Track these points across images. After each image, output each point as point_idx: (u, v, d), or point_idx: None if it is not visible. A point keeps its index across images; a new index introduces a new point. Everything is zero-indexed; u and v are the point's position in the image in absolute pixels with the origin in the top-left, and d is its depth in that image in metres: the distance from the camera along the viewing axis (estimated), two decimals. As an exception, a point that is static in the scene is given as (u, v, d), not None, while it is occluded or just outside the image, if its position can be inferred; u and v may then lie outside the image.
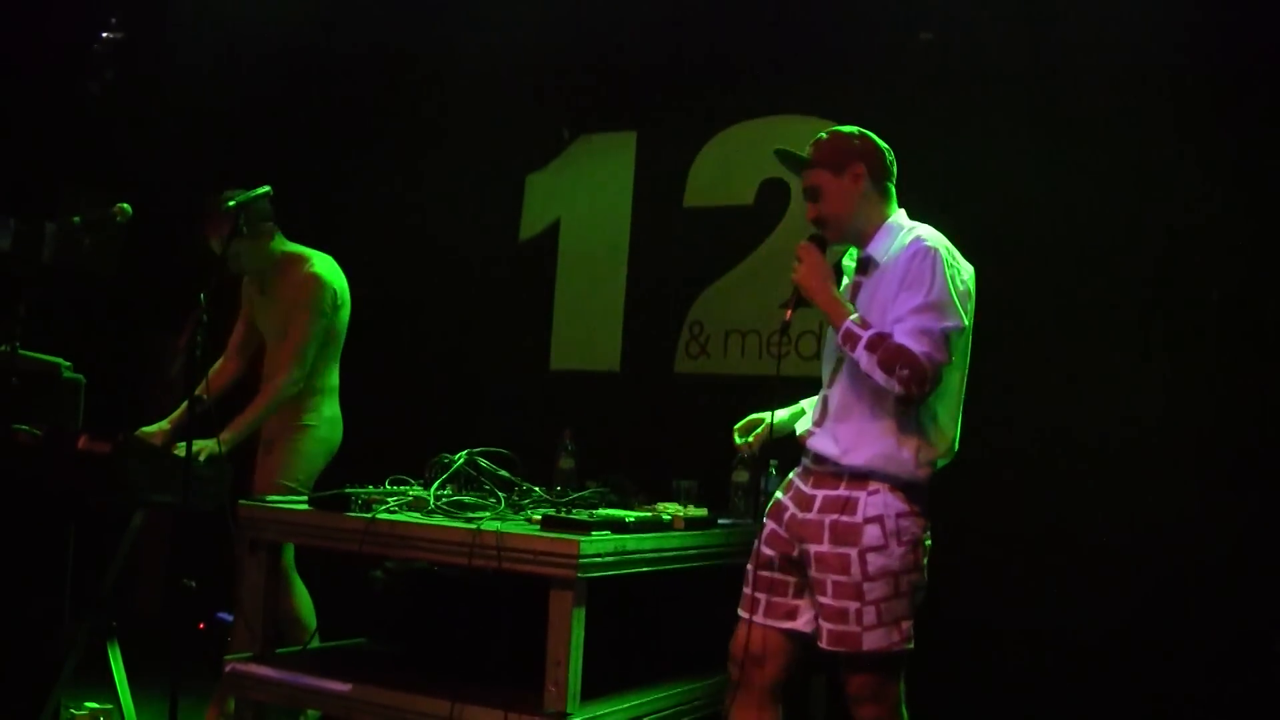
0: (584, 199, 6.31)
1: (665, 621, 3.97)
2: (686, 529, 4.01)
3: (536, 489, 4.24)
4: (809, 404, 3.79)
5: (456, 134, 6.62)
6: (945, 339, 3.34)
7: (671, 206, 6.03)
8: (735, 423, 3.85)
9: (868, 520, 3.38)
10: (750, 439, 3.80)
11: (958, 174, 5.28)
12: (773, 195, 5.67)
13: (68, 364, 4.84)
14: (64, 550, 4.59)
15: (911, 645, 3.44)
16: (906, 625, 3.42)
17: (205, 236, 4.84)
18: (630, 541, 3.75)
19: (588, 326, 6.21)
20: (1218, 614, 4.63)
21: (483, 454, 4.17)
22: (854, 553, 3.37)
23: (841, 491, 3.44)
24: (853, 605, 3.36)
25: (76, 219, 4.79)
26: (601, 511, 3.93)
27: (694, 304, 5.86)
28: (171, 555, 7.05)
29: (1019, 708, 4.88)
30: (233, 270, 4.91)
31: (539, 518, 3.76)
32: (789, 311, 3.54)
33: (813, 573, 3.45)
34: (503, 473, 4.17)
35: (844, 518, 3.41)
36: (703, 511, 4.21)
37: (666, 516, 4.03)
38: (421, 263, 6.66)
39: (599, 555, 3.58)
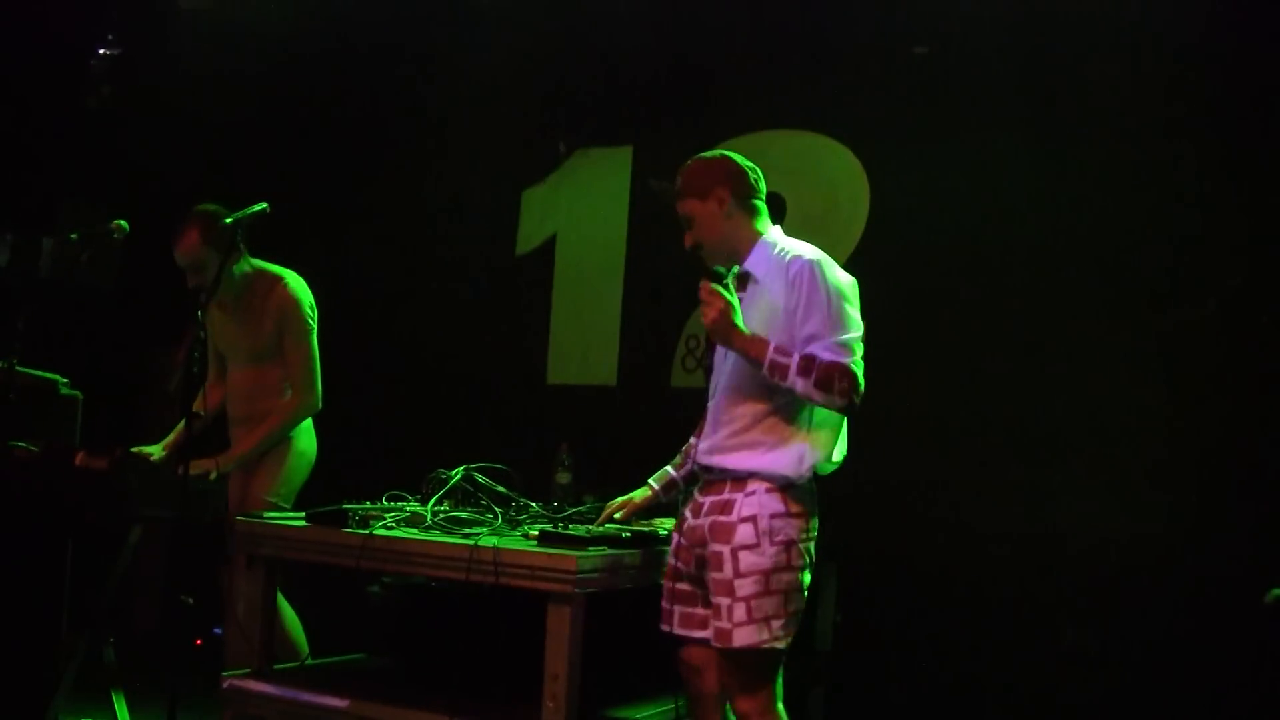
0: (581, 213, 6.32)
1: (662, 635, 3.97)
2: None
3: (533, 504, 4.24)
4: (670, 466, 4.00)
5: (454, 149, 6.63)
6: (859, 346, 3.47)
7: (668, 221, 6.00)
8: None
9: (742, 519, 3.50)
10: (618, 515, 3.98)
11: (954, 185, 5.30)
12: (769, 209, 5.68)
13: (65, 380, 4.85)
14: (61, 565, 4.59)
15: (783, 645, 3.49)
16: (778, 624, 3.47)
17: (176, 249, 4.75)
18: (627, 556, 3.76)
19: (584, 341, 6.22)
20: (1219, 614, 4.63)
21: (479, 469, 4.17)
22: (727, 550, 3.49)
23: (725, 495, 3.56)
24: (725, 601, 3.47)
25: (74, 235, 4.79)
26: (598, 526, 3.94)
27: (690, 318, 5.87)
28: (168, 570, 7.04)
29: (1017, 707, 4.90)
30: (194, 287, 4.74)
31: (536, 533, 3.77)
32: (706, 355, 3.67)
33: (704, 574, 3.58)
34: (500, 488, 4.17)
35: (722, 518, 3.54)
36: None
37: (663, 531, 4.03)
38: (418, 277, 6.67)
39: (596, 570, 3.59)
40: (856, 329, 3.49)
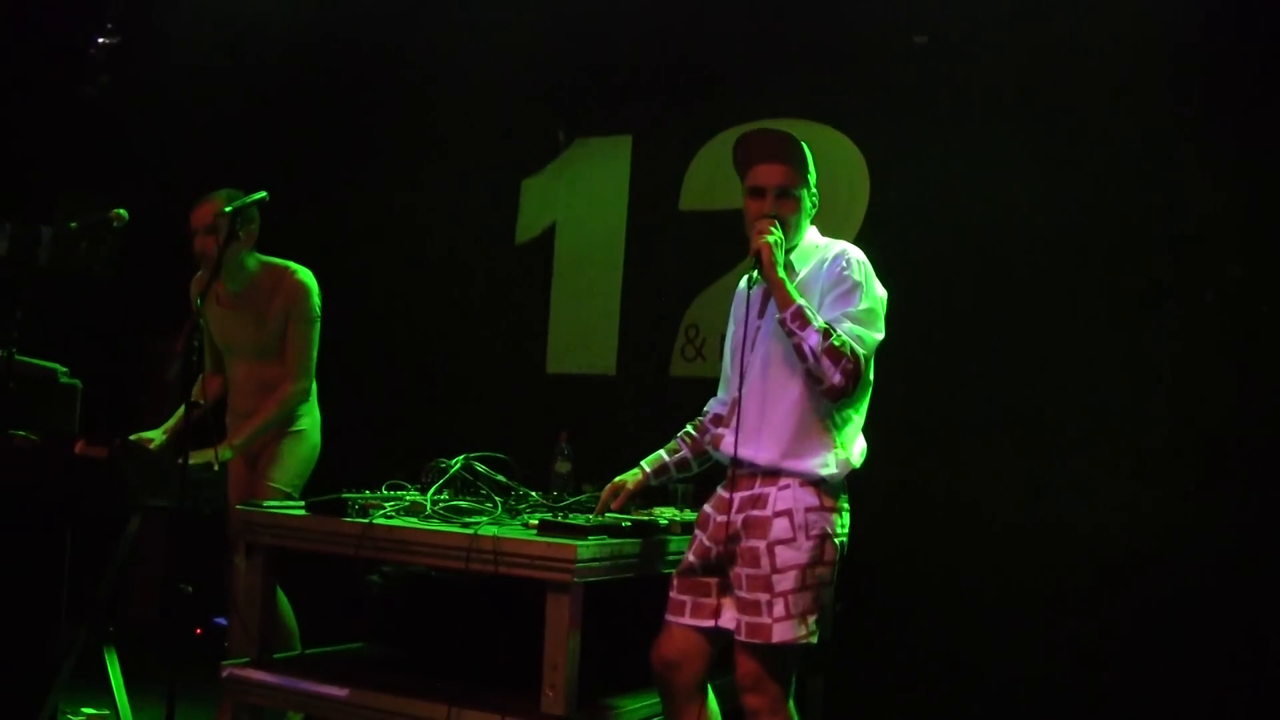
0: (580, 203, 6.32)
1: (662, 625, 3.97)
2: (682, 533, 4.02)
3: (533, 493, 4.24)
4: (665, 450, 3.96)
5: (453, 138, 6.63)
6: (874, 348, 3.53)
7: (667, 210, 6.03)
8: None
9: (776, 514, 3.49)
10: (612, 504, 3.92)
11: (953, 176, 5.30)
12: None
13: (64, 369, 4.85)
14: (61, 555, 4.59)
15: (814, 639, 3.50)
16: (812, 619, 3.49)
17: (191, 228, 4.76)
18: (627, 546, 3.76)
19: (584, 330, 6.21)
20: (1218, 612, 4.64)
21: (479, 458, 4.17)
22: (763, 545, 3.48)
23: (756, 490, 3.56)
24: (763, 597, 3.46)
25: (73, 224, 4.78)
26: (597, 516, 3.94)
27: (689, 307, 5.87)
28: (167, 560, 7.05)
29: (1016, 707, 4.90)
30: (199, 253, 4.75)
31: (536, 522, 3.77)
32: (755, 274, 3.56)
33: (731, 569, 3.56)
34: (499, 477, 4.17)
35: (755, 512, 3.53)
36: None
37: (663, 520, 4.04)
38: (418, 266, 6.67)
39: (595, 560, 3.58)
40: (878, 333, 3.53)
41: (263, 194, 4.57)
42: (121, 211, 4.63)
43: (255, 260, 4.89)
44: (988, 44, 5.28)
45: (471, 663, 3.98)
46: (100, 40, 7.08)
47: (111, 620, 4.49)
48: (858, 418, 3.64)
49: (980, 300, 5.23)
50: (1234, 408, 4.75)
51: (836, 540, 3.54)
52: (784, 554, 3.46)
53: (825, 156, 5.57)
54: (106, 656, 4.44)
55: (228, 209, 4.43)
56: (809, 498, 3.50)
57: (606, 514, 3.91)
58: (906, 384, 5.17)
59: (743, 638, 3.50)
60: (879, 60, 5.54)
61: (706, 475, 4.04)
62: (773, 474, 3.54)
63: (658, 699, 3.85)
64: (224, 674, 4.11)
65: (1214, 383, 4.79)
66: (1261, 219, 4.78)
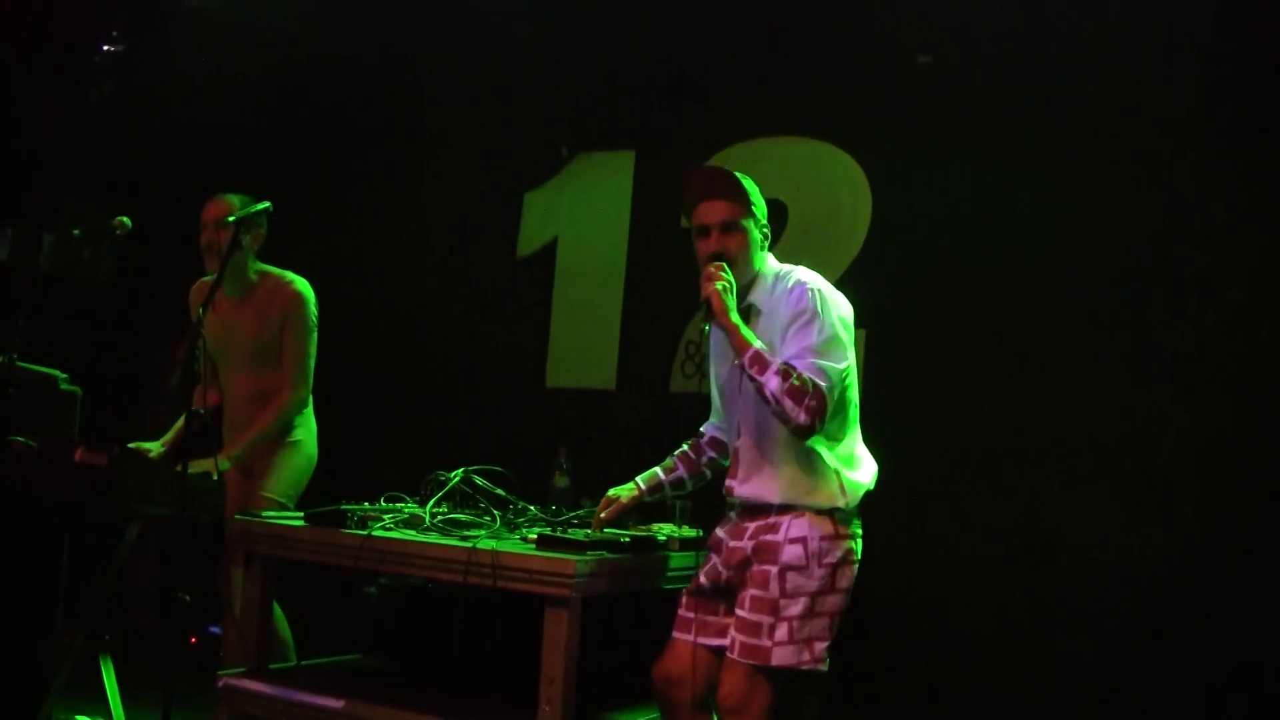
0: (582, 217, 6.32)
1: (660, 641, 3.97)
2: (681, 549, 4.02)
3: (532, 507, 4.24)
4: (660, 468, 3.99)
5: (456, 150, 6.63)
6: (841, 377, 3.49)
7: (669, 225, 6.03)
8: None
9: (790, 540, 3.51)
10: (603, 515, 3.94)
11: (956, 193, 5.30)
12: (770, 215, 5.68)
13: (64, 375, 4.85)
14: (59, 561, 4.59)
15: (824, 668, 3.50)
16: (820, 646, 3.49)
17: (202, 222, 4.80)
18: (625, 561, 3.76)
19: (584, 344, 6.21)
20: (1220, 630, 4.63)
21: (478, 471, 4.17)
22: (774, 570, 3.50)
23: (770, 519, 3.57)
24: (766, 620, 3.47)
25: (76, 231, 4.79)
26: (596, 531, 3.94)
27: (690, 323, 5.87)
28: (164, 568, 7.04)
29: (1014, 715, 4.89)
30: (205, 245, 4.81)
31: (534, 536, 3.77)
32: (707, 325, 3.60)
33: (739, 592, 3.57)
34: (498, 490, 4.17)
35: (768, 537, 3.55)
36: (697, 531, 4.20)
37: (662, 536, 4.04)
38: (419, 279, 6.67)
39: (594, 574, 3.59)
40: (843, 362, 3.51)
41: (266, 204, 4.58)
42: (125, 219, 4.64)
43: (256, 268, 4.91)
44: (990, 63, 5.28)
45: (468, 676, 3.98)
46: (105, 47, 7.10)
47: (108, 628, 4.49)
48: (855, 441, 3.65)
49: (981, 316, 5.23)
50: (1237, 424, 4.74)
51: (850, 567, 3.56)
52: (794, 580, 3.47)
53: (828, 174, 5.62)
54: (102, 664, 4.43)
55: (231, 219, 4.45)
56: (824, 525, 3.52)
57: (605, 529, 3.92)
58: (904, 400, 5.19)
59: (735, 655, 3.49)
60: (882, 77, 5.54)
61: (707, 492, 4.06)
62: (786, 507, 3.56)
63: (655, 715, 3.85)
64: (219, 683, 4.11)
65: (1218, 399, 4.79)
66: (1264, 236, 4.78)
